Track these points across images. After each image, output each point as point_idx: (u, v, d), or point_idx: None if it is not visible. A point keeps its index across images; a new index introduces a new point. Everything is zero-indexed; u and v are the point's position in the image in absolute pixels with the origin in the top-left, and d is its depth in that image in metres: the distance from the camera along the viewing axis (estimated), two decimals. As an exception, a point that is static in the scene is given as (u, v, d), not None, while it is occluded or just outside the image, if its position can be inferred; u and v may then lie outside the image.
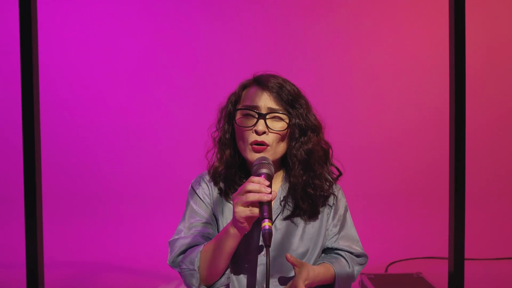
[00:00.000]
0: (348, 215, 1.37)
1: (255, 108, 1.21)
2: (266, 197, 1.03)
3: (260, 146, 1.20)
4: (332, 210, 1.32)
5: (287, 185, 1.28)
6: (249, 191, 1.05)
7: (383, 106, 4.01)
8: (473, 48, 3.24)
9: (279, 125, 1.22)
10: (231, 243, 1.13)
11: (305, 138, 1.24)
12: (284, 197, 1.27)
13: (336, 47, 3.98)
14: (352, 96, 3.99)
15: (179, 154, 3.76)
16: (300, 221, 1.26)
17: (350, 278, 1.30)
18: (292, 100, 1.23)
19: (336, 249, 1.33)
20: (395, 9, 3.99)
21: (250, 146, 1.21)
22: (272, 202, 1.24)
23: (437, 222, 3.31)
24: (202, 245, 1.20)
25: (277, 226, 1.25)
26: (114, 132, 3.92)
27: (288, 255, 1.16)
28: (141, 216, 3.70)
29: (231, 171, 1.27)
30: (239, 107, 1.24)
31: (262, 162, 1.13)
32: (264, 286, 1.23)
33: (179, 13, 3.93)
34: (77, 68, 3.91)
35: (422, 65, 3.99)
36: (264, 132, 1.20)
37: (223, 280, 1.20)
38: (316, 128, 1.27)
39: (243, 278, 1.24)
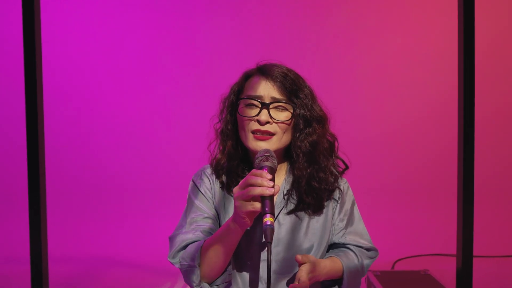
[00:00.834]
0: (356, 209, 1.34)
1: (258, 97, 1.18)
2: (268, 191, 1.00)
3: (264, 135, 1.17)
4: (338, 204, 1.28)
5: (291, 178, 1.24)
6: (251, 185, 1.01)
7: (391, 99, 3.97)
8: (482, 39, 3.18)
9: (283, 115, 1.18)
10: (232, 239, 1.11)
11: (310, 129, 1.20)
12: (288, 190, 1.23)
13: (342, 40, 3.95)
14: (359, 90, 3.96)
15: (181, 150, 3.76)
16: (304, 216, 1.22)
17: (359, 271, 1.26)
18: (296, 90, 1.19)
19: (344, 244, 1.29)
20: (404, 2, 3.94)
21: (251, 135, 1.17)
22: (275, 196, 1.21)
23: (445, 218, 3.27)
24: (203, 241, 1.17)
25: (281, 221, 1.22)
26: (116, 129, 3.92)
27: (299, 257, 1.12)
28: (144, 211, 3.70)
29: (234, 163, 1.23)
30: (242, 97, 1.21)
31: (264, 155, 1.09)
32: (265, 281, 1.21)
33: (181, 8, 3.92)
34: (79, 65, 3.92)
35: (430, 58, 3.95)
36: (268, 122, 1.17)
37: (225, 276, 1.18)
38: (322, 119, 1.24)
39: (245, 274, 1.21)
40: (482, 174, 3.16)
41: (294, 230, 1.22)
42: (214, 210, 1.26)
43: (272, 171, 1.06)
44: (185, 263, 1.17)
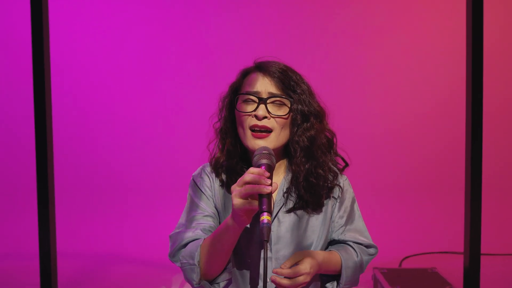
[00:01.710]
0: (356, 206, 1.32)
1: (255, 93, 1.17)
2: (265, 189, 0.99)
3: (262, 133, 1.16)
4: (338, 202, 1.27)
5: (290, 175, 1.23)
6: (248, 183, 1.00)
7: (396, 95, 3.95)
8: (491, 35, 3.15)
9: (281, 110, 1.18)
10: (231, 237, 1.09)
11: (308, 124, 1.19)
12: (287, 188, 1.22)
13: (346, 36, 3.93)
14: (364, 86, 3.94)
15: (185, 148, 3.77)
16: (303, 214, 1.22)
17: (358, 268, 1.25)
18: (294, 85, 1.19)
19: (343, 241, 1.29)
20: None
21: (250, 132, 1.17)
22: (275, 194, 1.22)
23: (452, 215, 3.26)
24: (202, 239, 1.17)
25: (281, 219, 1.21)
26: (121, 128, 3.95)
27: (282, 265, 1.10)
28: (150, 209, 3.72)
29: (233, 161, 1.23)
30: (240, 93, 1.21)
31: (262, 153, 1.08)
32: (268, 280, 1.20)
33: (184, 7, 3.93)
34: (84, 65, 3.95)
35: (435, 54, 3.92)
36: (265, 117, 1.15)
37: (225, 274, 1.17)
38: (319, 115, 1.22)
39: (246, 272, 1.20)
40: (490, 171, 3.14)
41: (294, 228, 1.21)
42: (214, 208, 1.26)
43: (270, 169, 1.05)
44: (185, 261, 1.16)
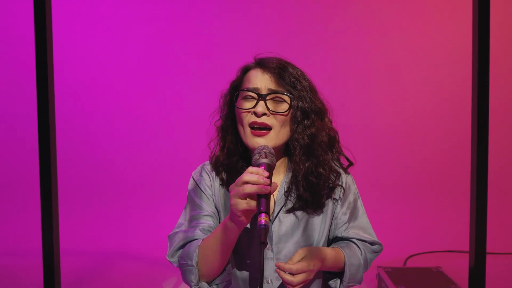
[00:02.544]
0: (359, 203, 1.30)
1: (254, 89, 1.14)
2: (264, 189, 0.96)
3: (261, 130, 1.13)
4: (340, 201, 1.24)
5: (290, 174, 1.20)
6: (247, 182, 0.98)
7: (401, 92, 3.92)
8: (497, 33, 3.12)
9: (281, 107, 1.15)
10: (229, 238, 1.07)
11: (308, 122, 1.16)
12: (288, 187, 1.19)
13: (352, 34, 3.90)
14: (369, 83, 3.92)
15: (188, 145, 3.76)
16: (304, 214, 1.19)
17: (361, 265, 1.22)
18: (294, 82, 1.16)
19: (347, 238, 1.26)
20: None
21: (249, 130, 1.13)
22: (275, 194, 1.19)
23: (458, 213, 3.23)
24: (201, 240, 1.15)
25: (281, 218, 1.19)
26: (124, 126, 3.96)
27: (280, 266, 1.07)
28: (152, 206, 3.72)
29: (233, 160, 1.20)
30: (240, 89, 1.19)
31: (262, 151, 1.05)
32: (269, 281, 1.18)
33: (190, 3, 3.92)
34: (87, 63, 3.96)
35: (441, 51, 3.89)
36: (265, 114, 1.13)
37: (224, 276, 1.15)
38: (321, 112, 1.19)
39: (246, 274, 1.18)
40: (496, 170, 3.11)
41: (294, 228, 1.18)
42: (214, 207, 1.23)
43: (270, 168, 1.02)
44: (183, 262, 1.14)
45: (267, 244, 1.16)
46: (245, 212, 1.01)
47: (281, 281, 1.17)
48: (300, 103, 1.16)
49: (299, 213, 1.19)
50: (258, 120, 1.13)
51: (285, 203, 1.19)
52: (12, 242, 3.30)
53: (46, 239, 2.16)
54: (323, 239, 1.22)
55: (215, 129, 1.26)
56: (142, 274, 2.79)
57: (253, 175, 0.98)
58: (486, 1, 1.87)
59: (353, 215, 1.27)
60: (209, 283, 1.16)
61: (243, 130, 1.16)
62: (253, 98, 1.15)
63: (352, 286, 1.23)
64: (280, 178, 1.22)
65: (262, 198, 0.96)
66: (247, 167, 1.13)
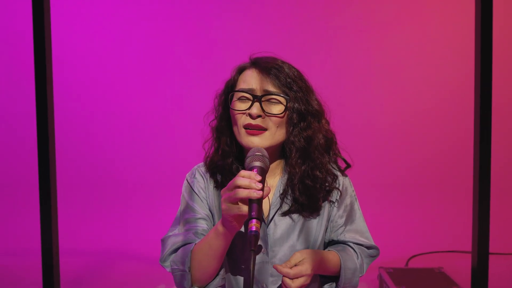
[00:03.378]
0: (357, 206, 1.27)
1: (250, 90, 1.12)
2: (255, 194, 0.93)
3: (256, 130, 1.10)
4: (337, 203, 1.21)
5: (286, 177, 1.17)
6: (238, 187, 0.95)
7: (402, 91, 3.90)
8: (500, 32, 3.10)
9: (276, 109, 1.11)
10: (221, 243, 1.05)
11: (304, 124, 1.13)
12: (283, 190, 1.16)
13: (352, 32, 3.89)
14: (368, 83, 3.90)
15: (188, 145, 3.75)
16: (299, 217, 1.17)
17: (357, 269, 1.20)
18: (290, 83, 1.13)
19: (344, 241, 1.24)
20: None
21: (243, 130, 1.11)
22: (270, 196, 1.17)
23: (460, 213, 3.21)
24: (193, 244, 1.12)
25: (277, 222, 1.16)
26: (124, 125, 3.95)
27: (277, 266, 1.05)
28: (152, 206, 3.71)
29: (228, 161, 1.17)
30: (234, 90, 1.16)
31: (255, 154, 1.02)
32: (264, 285, 1.16)
33: (190, 3, 3.92)
34: (86, 62, 3.95)
35: (442, 50, 3.87)
36: (260, 116, 1.10)
37: (218, 280, 1.12)
38: (318, 114, 1.16)
39: (240, 278, 1.16)
40: (498, 169, 3.09)
41: (290, 231, 1.16)
42: (208, 210, 1.21)
43: (263, 171, 1.00)
44: (176, 267, 1.12)
45: (260, 251, 1.14)
46: (237, 217, 0.98)
47: (276, 285, 1.15)
48: (296, 104, 1.13)
49: (295, 216, 1.17)
50: (253, 122, 1.10)
51: (281, 206, 1.17)
52: (12, 241, 3.29)
53: (45, 238, 2.15)
54: (318, 242, 1.20)
55: (209, 129, 1.23)
56: (142, 274, 2.78)
57: (245, 179, 0.95)
58: (489, 0, 1.85)
59: (349, 218, 1.24)
60: None
61: (238, 131, 1.13)
62: (248, 99, 1.12)
63: None
64: (276, 180, 1.20)
65: (254, 203, 0.93)
66: (242, 168, 1.11)
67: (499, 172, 3.24)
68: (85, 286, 2.66)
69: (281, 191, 1.17)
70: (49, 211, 2.14)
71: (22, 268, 2.84)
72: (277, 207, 1.17)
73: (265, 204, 1.17)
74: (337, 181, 1.21)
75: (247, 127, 1.11)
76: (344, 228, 1.23)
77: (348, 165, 1.25)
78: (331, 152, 1.21)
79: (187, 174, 1.27)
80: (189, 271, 1.10)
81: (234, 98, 1.15)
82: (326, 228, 1.22)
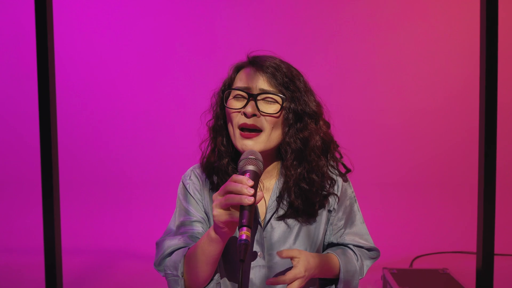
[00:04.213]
0: (356, 208, 1.24)
1: (245, 89, 1.09)
2: (246, 200, 0.89)
3: (251, 132, 1.07)
4: (334, 211, 1.19)
5: (283, 180, 1.14)
6: (229, 192, 0.92)
7: (408, 89, 3.87)
8: (506, 29, 3.07)
9: (272, 108, 1.08)
10: (214, 249, 1.01)
11: (301, 125, 1.10)
12: (280, 193, 1.14)
13: (357, 30, 3.86)
14: (374, 80, 3.87)
15: (192, 144, 3.75)
16: (295, 222, 1.14)
17: (357, 272, 1.18)
18: (287, 82, 1.10)
19: (343, 244, 1.22)
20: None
21: (238, 132, 1.08)
22: (267, 199, 1.15)
23: (466, 214, 3.18)
24: (187, 249, 1.09)
25: (273, 225, 1.14)
26: (127, 124, 3.95)
27: (280, 252, 1.04)
28: (155, 205, 3.70)
29: (224, 162, 1.13)
30: (230, 88, 1.13)
31: (248, 158, 0.99)
32: None
33: (193, 2, 3.92)
34: (89, 60, 3.96)
35: (446, 47, 3.84)
36: (254, 115, 1.07)
37: (212, 286, 1.09)
38: (315, 115, 1.12)
39: (236, 285, 1.14)
40: (504, 169, 3.06)
41: (286, 235, 1.14)
42: (203, 212, 1.18)
43: (256, 176, 0.96)
44: (169, 272, 1.10)
45: (254, 257, 1.12)
46: (228, 223, 0.96)
47: None
48: (293, 105, 1.10)
49: (290, 221, 1.14)
50: (248, 121, 1.07)
51: (277, 209, 1.14)
52: (15, 240, 3.30)
53: (48, 237, 2.15)
54: (315, 248, 1.17)
55: (207, 129, 1.21)
56: (145, 273, 2.78)
57: (236, 185, 0.92)
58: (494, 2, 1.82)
59: (349, 221, 1.22)
60: None
61: (233, 132, 1.11)
62: (244, 97, 1.09)
63: None
64: (272, 183, 1.17)
65: (245, 210, 0.90)
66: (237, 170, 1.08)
67: (505, 172, 3.20)
68: (87, 284, 2.66)
69: (277, 194, 1.15)
70: (52, 210, 2.14)
71: (25, 266, 2.85)
72: (273, 211, 1.14)
73: (262, 207, 1.15)
74: (335, 186, 1.18)
75: (242, 127, 1.09)
76: (344, 231, 1.21)
77: (348, 170, 1.22)
78: (328, 155, 1.18)
79: (183, 176, 1.24)
80: (182, 276, 1.08)
81: (230, 97, 1.13)
82: (324, 234, 1.20)
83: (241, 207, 0.91)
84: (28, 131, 3.78)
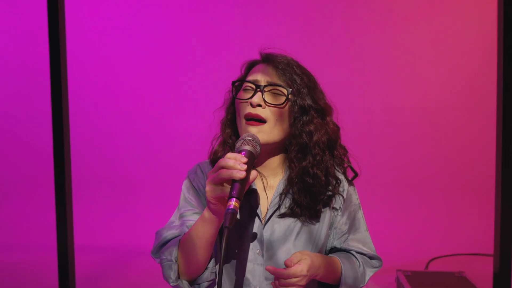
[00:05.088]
0: (360, 214, 1.23)
1: (254, 81, 1.11)
2: (238, 174, 0.91)
3: (255, 121, 1.08)
4: (340, 210, 1.17)
5: (287, 176, 1.14)
6: (223, 168, 0.93)
7: (425, 84, 3.79)
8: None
9: (278, 100, 1.10)
10: (208, 230, 1.01)
11: (307, 118, 1.11)
12: (283, 189, 1.13)
13: (368, 28, 3.81)
14: (381, 78, 3.81)
15: (205, 141, 3.74)
16: (297, 220, 1.12)
17: (358, 279, 1.16)
18: (296, 79, 1.11)
19: (346, 250, 1.20)
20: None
21: (244, 121, 1.09)
22: (270, 196, 1.14)
23: (484, 214, 3.10)
24: (183, 235, 1.09)
25: (274, 223, 1.12)
26: (138, 123, 3.98)
27: (286, 262, 1.02)
28: (169, 202, 3.70)
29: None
30: (240, 80, 1.15)
31: (245, 139, 1.01)
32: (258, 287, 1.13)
33: (204, 2, 3.93)
34: (100, 60, 3.98)
35: (459, 44, 3.75)
36: (260, 105, 1.08)
37: (207, 275, 1.08)
38: (322, 110, 1.13)
39: (232, 275, 1.13)
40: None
41: (287, 234, 1.12)
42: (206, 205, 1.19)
43: (251, 156, 0.97)
44: (164, 257, 1.10)
45: (254, 235, 1.10)
46: (220, 199, 0.96)
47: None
48: (299, 99, 1.11)
49: (292, 219, 1.13)
50: (252, 111, 1.08)
51: (279, 206, 1.13)
52: (28, 237, 3.34)
53: (61, 234, 2.18)
54: (317, 249, 1.15)
55: (219, 126, 1.22)
56: (159, 271, 2.78)
57: (230, 160, 0.93)
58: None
59: (353, 227, 1.20)
60: (191, 283, 1.10)
61: (240, 122, 1.12)
62: (252, 89, 1.11)
63: None
64: (277, 181, 1.16)
65: (236, 183, 0.91)
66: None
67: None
68: (100, 282, 2.68)
69: (281, 191, 1.14)
70: (64, 208, 2.17)
71: (39, 263, 2.88)
72: (275, 207, 1.13)
73: (264, 204, 1.15)
74: (341, 186, 1.17)
75: (247, 116, 1.10)
76: (348, 236, 1.19)
77: (356, 174, 1.21)
78: (334, 153, 1.17)
79: (188, 171, 1.26)
80: (175, 261, 1.07)
81: (240, 90, 1.15)
82: (328, 236, 1.18)
83: (232, 181, 0.92)
84: (41, 131, 3.83)
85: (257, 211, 1.12)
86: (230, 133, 1.17)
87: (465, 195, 3.61)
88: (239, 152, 0.97)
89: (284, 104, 1.10)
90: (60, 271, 2.21)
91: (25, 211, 3.68)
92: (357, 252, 1.19)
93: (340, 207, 1.17)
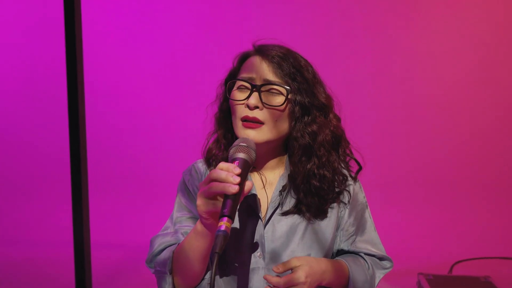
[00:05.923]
0: (368, 214, 1.16)
1: (249, 79, 1.04)
2: (230, 189, 0.84)
3: (253, 123, 1.01)
4: (348, 208, 1.11)
5: (288, 173, 1.08)
6: (214, 180, 0.87)
7: (438, 77, 3.66)
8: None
9: (276, 100, 1.02)
10: (201, 243, 0.95)
11: (309, 118, 1.04)
12: (283, 186, 1.07)
13: (373, 23, 3.69)
14: (388, 75, 3.68)
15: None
16: (302, 219, 1.06)
17: (368, 282, 1.09)
18: (294, 73, 1.03)
19: (354, 252, 1.13)
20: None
21: (240, 122, 1.03)
22: (270, 194, 1.08)
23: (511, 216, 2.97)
24: (177, 245, 1.05)
25: (275, 223, 1.06)
26: (153, 120, 3.98)
27: (276, 268, 0.97)
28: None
29: (225, 154, 1.09)
30: (235, 79, 1.08)
31: (240, 145, 0.94)
32: None
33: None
34: (115, 60, 4.00)
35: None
36: (257, 107, 1.01)
37: (205, 285, 1.03)
38: (324, 108, 1.06)
39: (233, 284, 1.06)
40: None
41: (290, 234, 1.06)
42: None
43: (246, 164, 0.91)
44: (158, 268, 1.05)
45: (254, 236, 1.04)
46: (212, 214, 0.90)
47: None
48: (299, 97, 1.03)
49: (296, 217, 1.07)
50: (250, 114, 1.02)
51: (280, 204, 1.07)
52: (45, 234, 3.40)
53: (77, 231, 2.21)
54: (325, 249, 1.08)
55: (213, 121, 1.16)
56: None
57: (222, 172, 0.86)
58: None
59: (360, 228, 1.13)
60: None
61: (236, 123, 1.06)
62: (247, 88, 1.04)
63: None
64: (276, 177, 1.10)
65: (228, 199, 0.85)
66: None
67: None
68: (117, 279, 2.70)
69: (281, 188, 1.08)
70: (81, 204, 2.20)
71: (55, 260, 2.92)
72: (276, 206, 1.07)
73: (264, 202, 1.09)
74: (347, 182, 1.11)
75: (244, 119, 1.03)
76: (355, 238, 1.13)
77: (360, 167, 1.13)
78: (340, 150, 1.11)
79: (183, 171, 1.20)
80: (170, 273, 1.03)
81: (234, 88, 1.08)
82: (335, 237, 1.12)
83: (225, 196, 0.86)
84: (59, 129, 3.88)
85: (257, 210, 1.07)
86: (223, 132, 1.12)
87: (493, 195, 3.47)
88: (233, 160, 0.91)
89: (284, 105, 1.03)
90: (76, 268, 2.24)
91: (43, 208, 3.74)
92: (366, 253, 1.13)
93: (348, 201, 1.11)
